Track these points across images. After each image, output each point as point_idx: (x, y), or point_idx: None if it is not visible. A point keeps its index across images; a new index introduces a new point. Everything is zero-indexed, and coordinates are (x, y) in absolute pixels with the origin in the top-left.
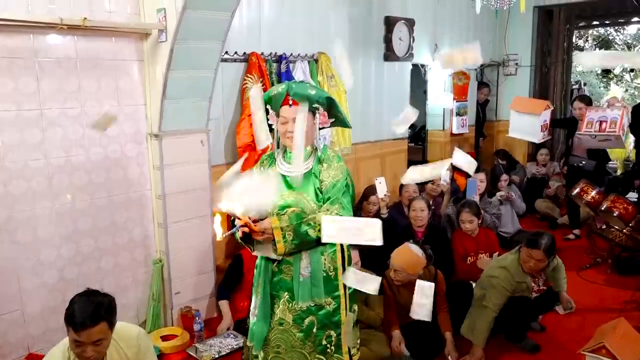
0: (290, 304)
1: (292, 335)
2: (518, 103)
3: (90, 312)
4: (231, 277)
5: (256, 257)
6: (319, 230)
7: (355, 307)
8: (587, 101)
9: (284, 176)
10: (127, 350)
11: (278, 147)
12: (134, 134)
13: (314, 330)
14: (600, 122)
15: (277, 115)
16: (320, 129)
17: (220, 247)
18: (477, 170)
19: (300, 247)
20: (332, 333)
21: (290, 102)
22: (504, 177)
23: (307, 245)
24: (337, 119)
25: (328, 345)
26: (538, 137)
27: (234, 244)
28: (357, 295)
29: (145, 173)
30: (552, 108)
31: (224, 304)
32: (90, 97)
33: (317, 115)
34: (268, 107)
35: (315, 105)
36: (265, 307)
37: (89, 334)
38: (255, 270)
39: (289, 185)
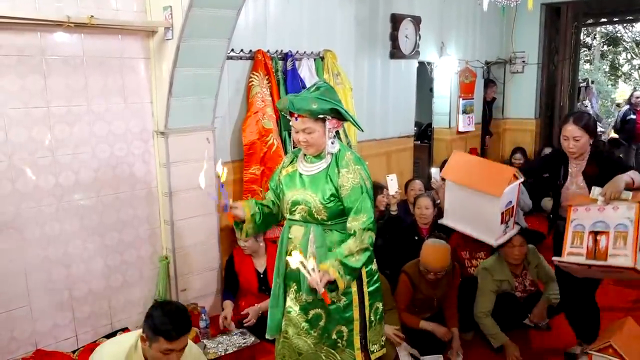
0: (298, 294)
1: (298, 324)
2: (457, 168)
3: (184, 321)
4: (229, 279)
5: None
6: (357, 254)
7: (379, 305)
8: (584, 124)
9: (300, 174)
10: None
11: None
12: (140, 132)
13: (322, 323)
14: (595, 235)
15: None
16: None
17: (225, 246)
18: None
19: (354, 276)
20: (344, 329)
21: (296, 117)
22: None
23: (356, 272)
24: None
25: (339, 340)
26: (496, 236)
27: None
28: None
29: (151, 170)
30: (522, 180)
31: (226, 304)
32: (96, 95)
33: (327, 122)
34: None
35: (322, 115)
36: (278, 294)
37: (181, 341)
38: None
39: (302, 184)
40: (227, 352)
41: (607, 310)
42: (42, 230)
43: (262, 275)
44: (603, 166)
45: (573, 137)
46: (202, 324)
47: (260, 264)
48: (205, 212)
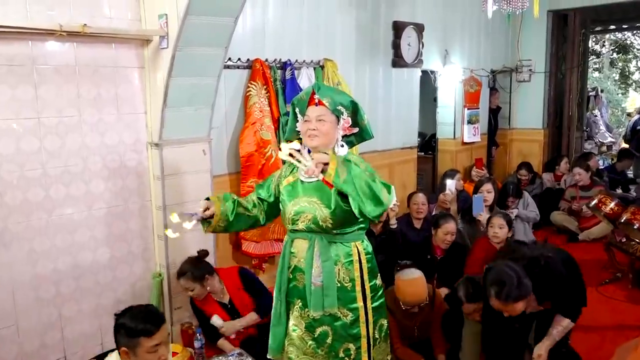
0: (303, 311)
1: (304, 343)
2: None
3: (154, 314)
4: (202, 322)
5: None
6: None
7: (384, 321)
8: (514, 298)
9: (301, 182)
10: None
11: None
12: (133, 143)
13: (329, 341)
14: None
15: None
16: (343, 136)
17: (220, 262)
18: (485, 182)
19: (349, 184)
20: (351, 346)
21: (316, 101)
22: (511, 199)
23: (353, 183)
24: (360, 129)
25: (346, 359)
26: None
27: None
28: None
29: (145, 183)
30: None
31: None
32: (89, 105)
33: (341, 120)
34: (297, 111)
35: (340, 107)
36: (280, 312)
37: (162, 332)
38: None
39: (305, 191)
40: None
41: (621, 329)
42: (31, 246)
43: (229, 306)
44: (555, 296)
45: (507, 310)
46: (197, 344)
47: (221, 297)
48: (200, 227)
